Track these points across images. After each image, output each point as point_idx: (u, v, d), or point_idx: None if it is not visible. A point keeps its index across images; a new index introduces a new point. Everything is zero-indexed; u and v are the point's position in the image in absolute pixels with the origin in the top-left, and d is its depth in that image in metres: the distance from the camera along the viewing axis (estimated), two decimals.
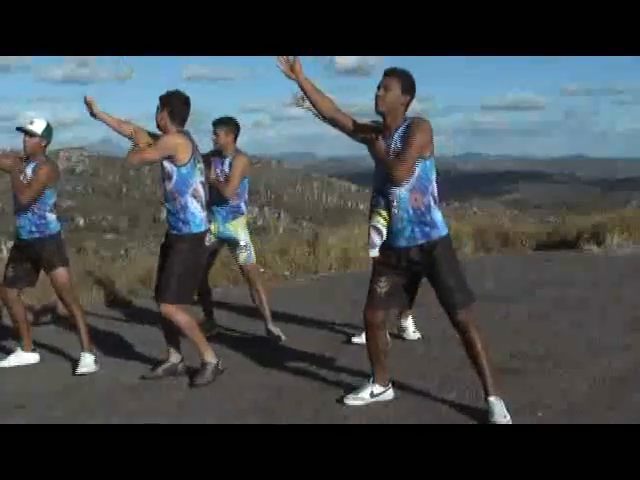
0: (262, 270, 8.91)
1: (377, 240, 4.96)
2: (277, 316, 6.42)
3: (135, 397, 4.56)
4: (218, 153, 5.73)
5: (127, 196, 73.66)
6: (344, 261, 9.06)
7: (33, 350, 5.47)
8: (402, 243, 3.82)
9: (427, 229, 3.76)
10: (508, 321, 5.65)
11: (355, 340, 5.32)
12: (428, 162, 3.72)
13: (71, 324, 5.44)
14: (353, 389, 4.15)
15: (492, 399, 3.68)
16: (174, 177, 4.57)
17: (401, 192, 3.73)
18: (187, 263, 4.58)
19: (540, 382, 4.17)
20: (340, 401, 4.07)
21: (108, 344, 5.87)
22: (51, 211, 5.23)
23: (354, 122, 3.92)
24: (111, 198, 72.17)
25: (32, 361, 5.41)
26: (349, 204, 75.36)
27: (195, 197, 4.61)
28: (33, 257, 5.24)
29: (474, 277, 7.71)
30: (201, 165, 4.70)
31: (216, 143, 5.70)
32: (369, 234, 5.09)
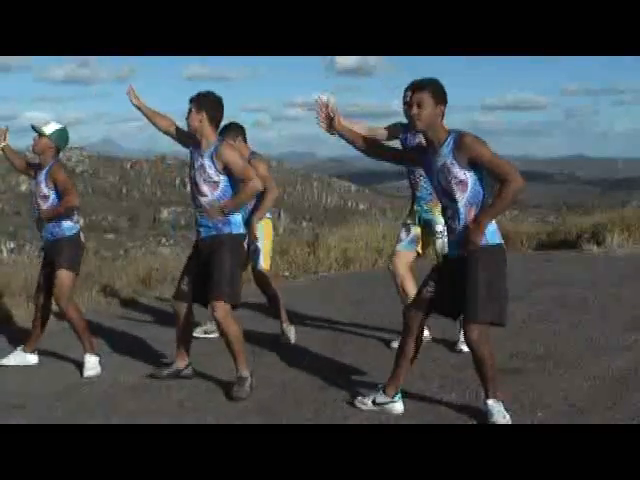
0: None
1: (403, 235, 5.07)
2: (277, 315, 6.42)
3: (135, 397, 4.56)
4: None
5: (127, 196, 73.67)
6: (344, 261, 9.06)
7: (33, 352, 5.48)
8: (455, 252, 3.77)
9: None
10: (508, 321, 5.64)
11: (394, 345, 5.23)
12: (477, 174, 3.66)
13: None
14: (348, 395, 4.13)
15: (490, 402, 3.67)
16: (222, 184, 4.48)
17: (459, 207, 3.68)
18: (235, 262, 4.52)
19: (540, 382, 4.17)
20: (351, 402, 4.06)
21: (108, 344, 5.87)
22: (67, 218, 5.23)
23: (395, 151, 4.00)
24: (111, 198, 72.18)
25: (31, 362, 5.41)
26: (349, 204, 75.36)
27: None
28: (50, 260, 5.25)
29: None
30: None
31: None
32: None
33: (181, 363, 4.82)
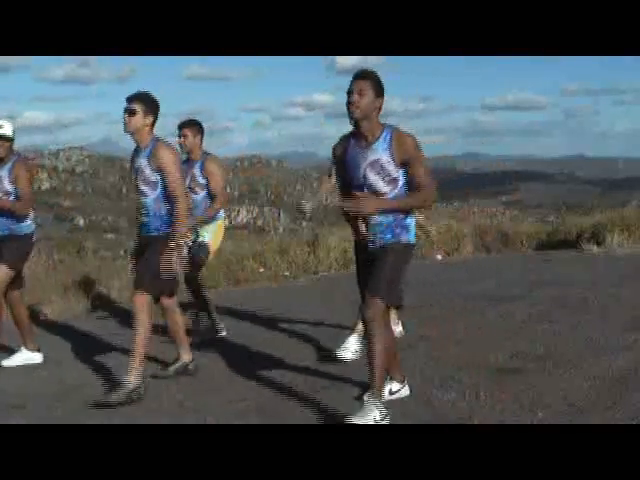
0: (262, 270, 8.93)
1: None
2: (277, 316, 6.43)
3: (135, 397, 4.55)
4: (187, 160, 5.64)
5: (127, 196, 73.64)
6: (344, 261, 9.07)
7: (38, 350, 5.48)
8: (376, 245, 3.79)
9: (398, 231, 3.74)
10: (508, 321, 5.65)
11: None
12: (405, 176, 3.70)
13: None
14: (347, 395, 4.12)
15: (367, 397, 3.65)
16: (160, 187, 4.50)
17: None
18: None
19: (540, 382, 4.17)
20: (359, 399, 4.01)
21: (108, 344, 5.87)
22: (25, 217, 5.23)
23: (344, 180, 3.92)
24: (111, 198, 72.15)
25: (36, 360, 5.41)
26: None
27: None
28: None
29: (474, 277, 7.74)
30: None
31: (184, 145, 5.60)
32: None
33: (186, 357, 4.86)
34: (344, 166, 3.81)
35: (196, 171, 5.59)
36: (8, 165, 5.14)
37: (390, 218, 3.72)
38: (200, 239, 5.65)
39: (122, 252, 15.89)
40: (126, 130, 4.48)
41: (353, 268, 9.29)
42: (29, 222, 5.26)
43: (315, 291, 7.74)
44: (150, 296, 4.49)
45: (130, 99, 4.47)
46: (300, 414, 3.99)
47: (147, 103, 4.49)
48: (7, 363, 5.36)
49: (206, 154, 5.65)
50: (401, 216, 3.74)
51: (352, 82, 3.66)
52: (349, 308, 6.54)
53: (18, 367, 5.34)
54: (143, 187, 4.52)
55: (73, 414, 4.28)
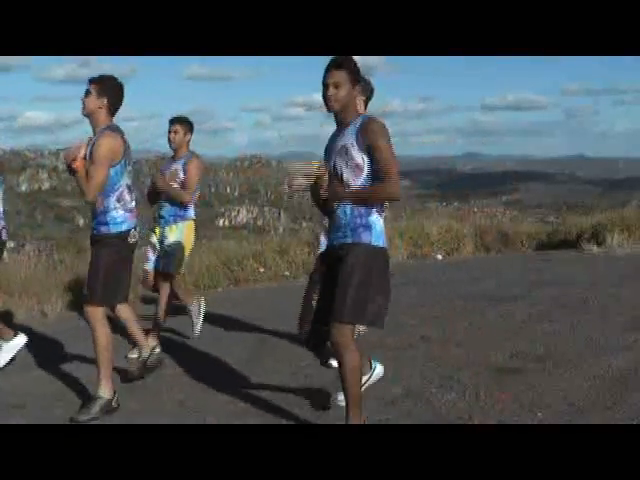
0: (262, 270, 8.93)
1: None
2: (277, 316, 6.43)
3: (135, 397, 4.56)
4: (172, 157, 5.63)
5: None
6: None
7: (16, 334, 5.30)
8: (337, 242, 3.57)
9: (360, 230, 3.49)
10: (508, 321, 5.65)
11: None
12: (370, 166, 3.49)
13: None
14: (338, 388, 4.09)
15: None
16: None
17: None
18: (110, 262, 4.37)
19: (540, 382, 4.18)
20: (368, 396, 3.95)
21: None
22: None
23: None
24: None
25: (22, 342, 5.31)
26: None
27: (119, 201, 4.36)
28: None
29: (474, 277, 7.73)
30: (130, 167, 4.44)
31: (173, 142, 5.55)
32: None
33: (144, 351, 4.86)
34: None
35: (178, 166, 5.54)
36: None
37: (348, 215, 3.49)
38: (167, 247, 5.53)
39: None
40: (83, 109, 4.32)
41: None
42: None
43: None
44: (103, 307, 4.37)
45: (89, 81, 4.32)
46: (300, 414, 3.99)
47: (103, 85, 4.31)
48: None
49: (192, 153, 5.61)
50: (362, 211, 3.47)
51: (326, 73, 3.50)
52: None
53: (18, 367, 5.34)
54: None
55: (72, 414, 4.28)
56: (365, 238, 3.46)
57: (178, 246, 5.53)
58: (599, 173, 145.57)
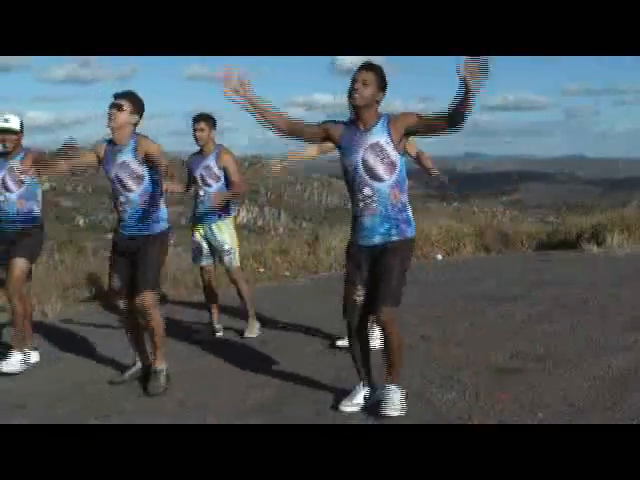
0: (262, 270, 8.93)
1: None
2: (277, 316, 6.43)
3: (135, 397, 4.56)
4: (198, 153, 5.74)
5: None
6: (344, 261, 9.05)
7: (35, 349, 5.47)
8: (376, 240, 3.80)
9: (403, 226, 3.78)
10: (508, 321, 5.65)
11: (339, 343, 5.26)
12: (404, 159, 3.76)
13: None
14: (346, 395, 4.11)
15: (392, 387, 3.77)
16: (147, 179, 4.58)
17: (381, 186, 3.72)
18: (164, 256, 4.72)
19: (540, 382, 4.18)
20: (335, 407, 4.02)
21: (108, 344, 5.87)
22: (38, 203, 5.37)
23: (314, 128, 3.86)
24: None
25: (34, 360, 5.40)
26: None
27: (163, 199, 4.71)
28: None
29: (474, 277, 7.73)
30: None
31: (200, 139, 5.65)
32: None
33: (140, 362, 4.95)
34: (341, 152, 3.83)
35: (211, 162, 5.66)
36: (20, 155, 5.26)
37: (390, 210, 3.74)
38: (225, 246, 5.75)
39: None
40: (110, 125, 4.49)
41: None
42: (36, 212, 5.37)
43: (315, 291, 7.74)
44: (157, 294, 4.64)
45: (118, 95, 4.49)
46: (300, 414, 3.99)
47: (135, 102, 4.53)
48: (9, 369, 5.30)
49: (219, 145, 5.73)
50: (399, 206, 3.75)
51: (357, 71, 3.69)
52: None
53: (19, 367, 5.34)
54: (129, 182, 4.55)
55: (73, 414, 4.29)
56: (409, 234, 3.80)
57: (232, 241, 5.78)
58: (599, 173, 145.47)
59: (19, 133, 5.27)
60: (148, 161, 4.49)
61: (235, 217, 5.97)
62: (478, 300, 6.40)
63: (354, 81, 3.68)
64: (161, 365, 4.66)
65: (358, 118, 3.73)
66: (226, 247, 5.76)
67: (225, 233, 5.76)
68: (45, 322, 7.01)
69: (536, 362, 4.56)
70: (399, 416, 3.78)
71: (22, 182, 5.26)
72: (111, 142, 4.57)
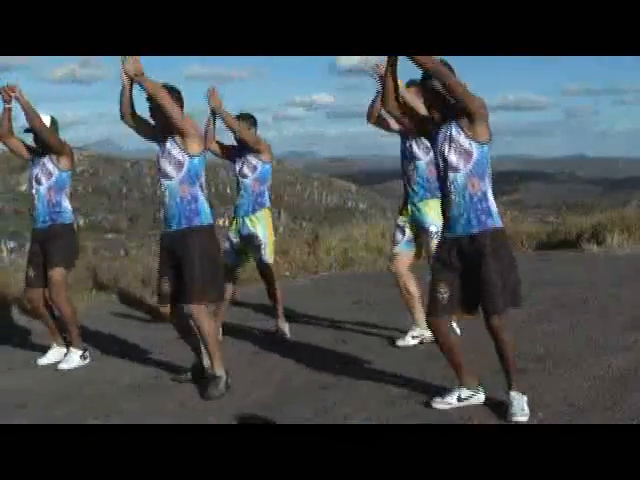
0: None
1: (399, 237, 5.09)
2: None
3: (135, 397, 4.56)
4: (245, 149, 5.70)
5: (127, 196, 73.62)
6: (344, 261, 9.06)
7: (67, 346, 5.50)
8: (458, 231, 3.74)
9: (483, 217, 3.69)
10: (508, 321, 5.64)
11: (399, 343, 5.21)
12: (486, 147, 3.69)
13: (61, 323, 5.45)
14: (346, 395, 4.12)
15: (513, 393, 3.72)
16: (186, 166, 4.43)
17: (457, 176, 3.68)
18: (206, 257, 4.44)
19: (540, 382, 4.17)
20: (428, 405, 3.97)
21: (108, 344, 5.88)
22: (67, 198, 5.38)
23: (421, 117, 4.00)
24: (111, 198, 72.11)
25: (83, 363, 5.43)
26: (349, 204, 75.27)
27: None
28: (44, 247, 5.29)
29: None
30: None
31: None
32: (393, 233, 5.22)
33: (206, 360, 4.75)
34: (433, 143, 3.85)
35: (249, 155, 5.68)
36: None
37: (467, 199, 3.67)
38: (258, 240, 5.66)
39: (122, 252, 15.89)
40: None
41: (353, 268, 9.27)
42: (65, 208, 5.40)
43: (315, 291, 7.74)
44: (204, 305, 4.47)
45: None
46: (300, 414, 3.99)
47: (173, 96, 4.42)
48: (42, 361, 5.42)
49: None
50: (479, 196, 3.68)
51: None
52: (349, 308, 6.55)
53: (19, 366, 5.35)
54: (167, 168, 4.42)
55: (73, 414, 4.29)
56: (490, 224, 3.68)
57: (266, 235, 5.69)
58: (599, 173, 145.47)
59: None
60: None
61: (270, 209, 5.83)
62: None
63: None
64: (220, 370, 4.48)
65: (442, 112, 3.78)
66: (258, 240, 5.66)
67: (259, 226, 5.68)
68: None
69: (536, 362, 4.56)
70: (403, 416, 3.78)
71: (50, 174, 5.28)
72: None
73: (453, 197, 3.69)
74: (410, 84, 4.74)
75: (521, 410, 3.64)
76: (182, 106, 4.48)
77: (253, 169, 5.68)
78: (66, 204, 5.36)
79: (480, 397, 3.94)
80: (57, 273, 5.22)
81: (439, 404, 3.92)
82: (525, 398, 3.71)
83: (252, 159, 5.67)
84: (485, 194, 3.69)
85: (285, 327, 5.79)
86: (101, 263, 9.57)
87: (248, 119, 5.72)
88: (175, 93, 4.46)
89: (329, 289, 7.74)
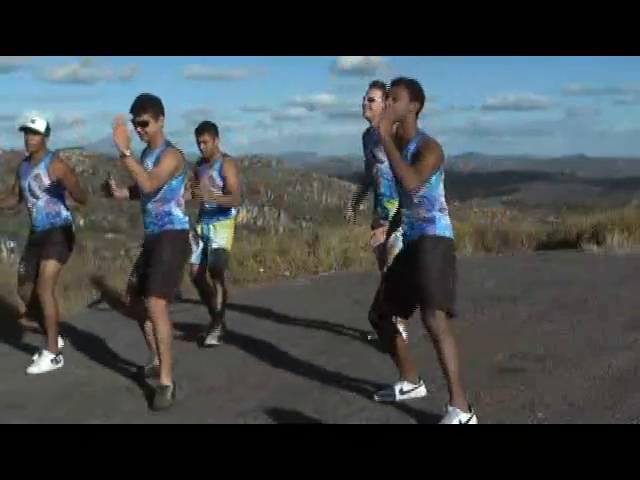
0: (262, 270, 8.93)
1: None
2: (277, 316, 6.43)
3: (135, 397, 4.56)
4: (204, 160, 5.74)
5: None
6: (344, 261, 9.06)
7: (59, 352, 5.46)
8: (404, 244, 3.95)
9: (424, 225, 3.80)
10: (508, 321, 5.65)
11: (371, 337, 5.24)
12: (434, 178, 3.75)
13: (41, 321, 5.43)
14: (346, 395, 4.14)
15: (450, 408, 3.66)
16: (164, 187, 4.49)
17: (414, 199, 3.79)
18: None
19: (540, 382, 4.18)
20: (370, 397, 4.08)
21: (108, 344, 5.88)
22: (65, 205, 5.40)
23: None
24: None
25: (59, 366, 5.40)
26: (349, 204, 75.22)
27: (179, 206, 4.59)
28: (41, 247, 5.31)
29: (474, 277, 7.73)
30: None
31: (205, 151, 5.67)
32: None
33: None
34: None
35: (214, 173, 5.67)
36: (44, 162, 5.30)
37: (412, 210, 3.80)
38: (215, 245, 5.70)
39: (122, 252, 15.88)
40: (143, 139, 4.49)
41: (353, 268, 9.28)
42: (64, 212, 5.41)
43: (315, 291, 7.74)
44: (165, 301, 4.48)
45: (137, 111, 4.41)
46: (300, 414, 3.99)
47: (155, 108, 4.46)
48: (33, 370, 5.28)
49: (224, 155, 5.75)
50: (424, 208, 3.77)
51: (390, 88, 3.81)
52: (349, 308, 6.54)
53: (19, 367, 5.34)
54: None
55: (73, 414, 4.29)
56: (430, 231, 3.77)
57: (225, 243, 5.74)
58: (599, 173, 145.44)
59: (42, 135, 5.28)
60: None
61: (235, 218, 5.93)
62: (478, 300, 6.39)
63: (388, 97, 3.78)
64: (167, 382, 4.44)
65: (397, 134, 3.82)
66: (214, 245, 5.71)
67: (220, 234, 5.73)
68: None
69: (536, 362, 4.56)
70: (403, 416, 3.78)
71: (47, 188, 5.28)
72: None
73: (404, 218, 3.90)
74: (375, 85, 4.80)
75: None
76: (163, 114, 4.50)
77: (219, 188, 5.67)
78: (64, 210, 5.37)
79: (421, 390, 4.12)
80: (50, 265, 5.22)
81: (380, 397, 4.09)
82: (464, 416, 3.61)
83: (217, 179, 5.66)
84: (433, 219, 3.79)
85: (213, 341, 5.68)
86: (101, 263, 9.57)
87: (211, 130, 5.67)
88: (157, 104, 4.49)
89: (329, 289, 7.74)
